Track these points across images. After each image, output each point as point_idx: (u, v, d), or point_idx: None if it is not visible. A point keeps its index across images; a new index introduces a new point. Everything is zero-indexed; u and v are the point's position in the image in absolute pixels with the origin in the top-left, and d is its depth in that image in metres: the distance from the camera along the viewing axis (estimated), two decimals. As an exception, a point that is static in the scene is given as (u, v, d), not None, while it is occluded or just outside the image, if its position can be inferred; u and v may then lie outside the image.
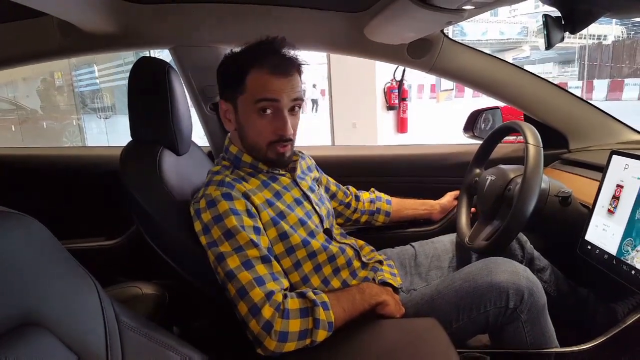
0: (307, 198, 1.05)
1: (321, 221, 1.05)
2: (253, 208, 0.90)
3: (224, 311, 0.92)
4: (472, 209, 1.29)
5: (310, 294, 0.84)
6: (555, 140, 1.44)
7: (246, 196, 0.91)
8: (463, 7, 0.98)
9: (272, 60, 0.90)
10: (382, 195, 1.36)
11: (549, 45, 0.97)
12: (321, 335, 0.81)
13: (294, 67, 0.92)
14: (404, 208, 1.36)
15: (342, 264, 1.02)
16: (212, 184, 0.92)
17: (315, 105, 15.81)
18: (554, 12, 1.00)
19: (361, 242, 1.18)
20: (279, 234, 0.93)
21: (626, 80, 15.54)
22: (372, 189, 1.39)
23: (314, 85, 14.88)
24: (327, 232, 1.06)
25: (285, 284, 0.87)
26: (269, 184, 0.99)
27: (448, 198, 1.41)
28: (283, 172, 1.03)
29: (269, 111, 0.91)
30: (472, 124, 1.62)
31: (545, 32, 0.97)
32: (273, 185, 0.99)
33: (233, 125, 0.98)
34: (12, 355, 0.44)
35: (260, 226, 0.90)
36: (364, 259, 1.09)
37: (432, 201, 1.40)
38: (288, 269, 0.95)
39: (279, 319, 0.79)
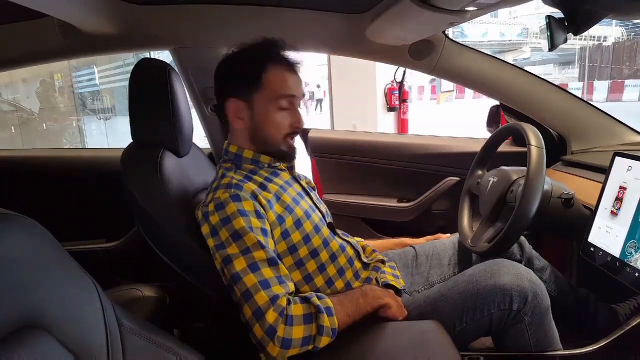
0: (308, 194, 1.07)
1: (323, 216, 1.06)
2: (261, 209, 0.90)
3: (224, 313, 0.91)
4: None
5: (315, 299, 0.83)
6: (556, 142, 1.43)
7: (254, 196, 0.91)
8: (466, 8, 0.98)
9: (286, 59, 0.97)
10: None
11: (552, 46, 0.97)
12: (324, 341, 0.81)
13: (300, 66, 1.01)
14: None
15: (344, 264, 1.02)
16: (220, 187, 0.92)
17: (319, 104, 16.08)
18: (558, 13, 1.00)
19: (363, 243, 1.18)
20: (282, 232, 0.93)
21: (626, 82, 15.53)
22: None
23: (318, 86, 15.10)
24: (331, 226, 1.06)
25: (291, 287, 0.86)
26: (274, 177, 1.00)
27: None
28: (283, 168, 1.04)
29: (286, 106, 0.97)
30: (494, 118, 1.60)
31: (548, 33, 0.97)
32: (278, 179, 1.00)
33: (245, 123, 0.98)
34: (12, 358, 0.43)
35: (268, 228, 0.90)
36: (364, 260, 1.09)
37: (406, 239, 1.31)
38: (289, 267, 0.94)
39: (282, 325, 0.78)
